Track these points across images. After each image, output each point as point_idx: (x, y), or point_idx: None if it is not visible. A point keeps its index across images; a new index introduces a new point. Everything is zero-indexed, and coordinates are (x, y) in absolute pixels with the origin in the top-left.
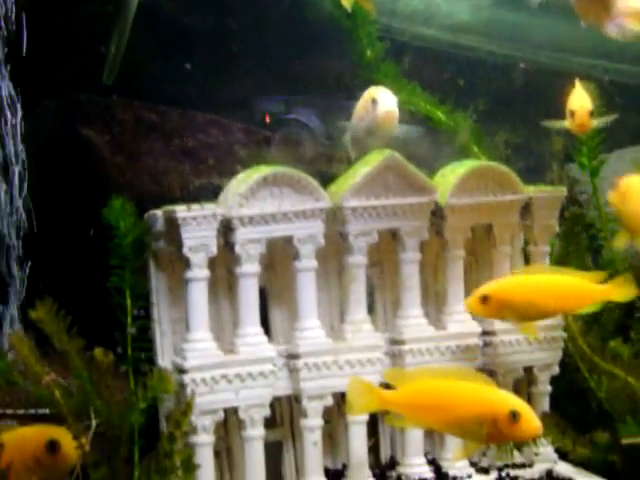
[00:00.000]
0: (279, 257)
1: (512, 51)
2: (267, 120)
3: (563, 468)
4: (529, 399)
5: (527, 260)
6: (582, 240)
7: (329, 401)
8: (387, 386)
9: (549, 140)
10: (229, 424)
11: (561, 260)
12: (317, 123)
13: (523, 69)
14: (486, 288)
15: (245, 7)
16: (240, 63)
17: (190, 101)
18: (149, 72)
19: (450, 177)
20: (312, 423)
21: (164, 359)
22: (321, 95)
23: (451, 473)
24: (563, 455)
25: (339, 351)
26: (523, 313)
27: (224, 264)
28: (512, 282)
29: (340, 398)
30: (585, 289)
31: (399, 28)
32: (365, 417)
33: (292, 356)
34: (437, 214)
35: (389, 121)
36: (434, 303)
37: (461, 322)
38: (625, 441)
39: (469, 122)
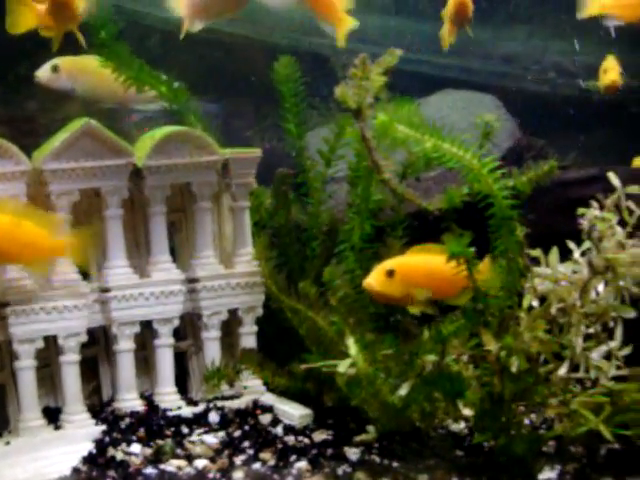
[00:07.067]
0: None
1: (249, 32)
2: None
3: (267, 398)
4: (238, 338)
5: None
6: (289, 197)
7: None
8: None
9: None
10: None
11: (272, 214)
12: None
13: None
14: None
15: None
16: None
17: None
18: None
19: (147, 141)
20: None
21: None
22: None
23: (162, 406)
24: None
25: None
26: None
27: None
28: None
29: (52, 342)
30: None
31: (142, 12)
32: (77, 358)
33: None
34: (139, 175)
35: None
36: (145, 255)
37: (164, 270)
38: (303, 366)
39: (186, 94)
